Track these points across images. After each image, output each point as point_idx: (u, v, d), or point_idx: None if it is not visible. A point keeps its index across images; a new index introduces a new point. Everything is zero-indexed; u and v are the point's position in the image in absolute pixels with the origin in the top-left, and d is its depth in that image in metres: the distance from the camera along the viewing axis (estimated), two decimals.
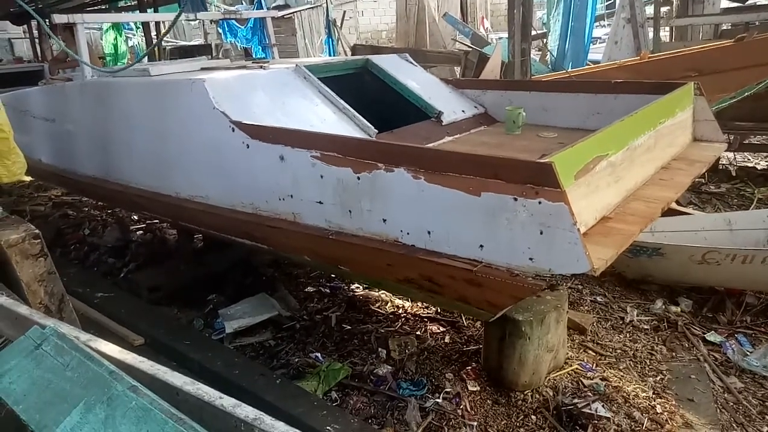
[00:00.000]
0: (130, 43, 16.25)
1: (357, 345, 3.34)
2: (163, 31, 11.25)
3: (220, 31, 13.91)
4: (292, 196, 2.62)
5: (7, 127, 2.80)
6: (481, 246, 1.98)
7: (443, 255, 2.08)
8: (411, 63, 4.19)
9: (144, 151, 3.51)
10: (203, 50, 12.64)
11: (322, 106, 3.29)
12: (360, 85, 3.94)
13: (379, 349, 3.24)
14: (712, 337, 3.35)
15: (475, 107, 3.94)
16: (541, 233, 1.81)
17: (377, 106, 3.68)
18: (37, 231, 2.39)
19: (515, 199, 1.83)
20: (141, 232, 5.35)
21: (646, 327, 3.48)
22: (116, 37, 14.07)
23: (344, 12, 11.98)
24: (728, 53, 4.48)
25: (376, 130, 3.17)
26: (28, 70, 7.54)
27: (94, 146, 3.97)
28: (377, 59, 3.98)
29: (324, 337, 3.43)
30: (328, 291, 4.00)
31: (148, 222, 5.42)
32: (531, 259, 1.86)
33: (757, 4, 7.79)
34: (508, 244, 1.90)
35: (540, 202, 1.78)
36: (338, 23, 10.43)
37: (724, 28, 7.65)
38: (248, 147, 2.76)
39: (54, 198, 6.71)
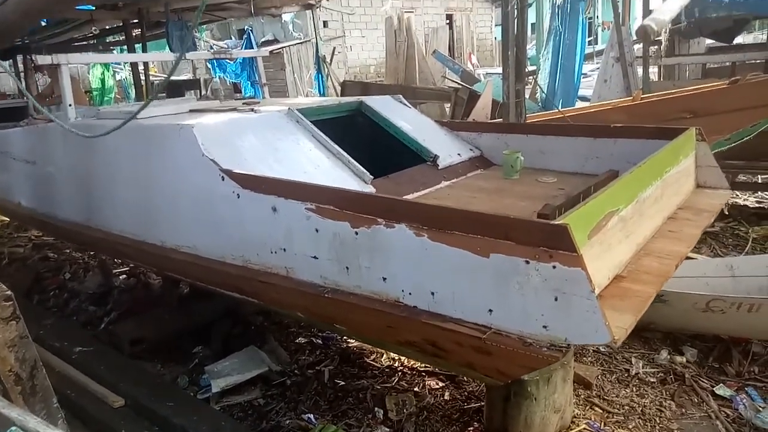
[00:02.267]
0: (118, 77, 16.22)
1: (352, 403, 3.14)
2: (151, 67, 11.22)
3: (209, 66, 13.94)
4: (285, 249, 2.48)
5: None
6: (490, 310, 1.84)
7: (449, 319, 1.94)
8: (405, 104, 4.12)
9: (128, 198, 3.37)
10: (192, 85, 12.62)
11: (315, 151, 3.18)
12: (353, 127, 3.86)
13: (376, 409, 3.05)
14: (721, 390, 3.21)
15: (471, 150, 3.86)
16: (556, 299, 1.68)
17: (371, 148, 3.59)
18: (9, 292, 2.20)
19: (527, 262, 1.71)
20: (125, 276, 5.15)
21: (652, 380, 3.33)
22: (103, 72, 14.04)
23: (334, 48, 12.05)
24: (723, 95, 4.49)
25: (372, 177, 3.07)
26: (11, 106, 7.40)
27: (77, 191, 3.82)
28: (371, 101, 3.90)
29: (317, 395, 3.23)
30: (320, 342, 3.81)
31: (131, 266, 5.21)
32: (545, 327, 1.73)
33: (743, 44, 7.95)
34: (520, 309, 1.77)
35: (554, 267, 1.66)
36: (328, 59, 10.46)
37: (710, 66, 7.78)
38: (239, 197, 2.63)
39: (34, 239, 6.48)
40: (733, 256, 4.58)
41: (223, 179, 2.69)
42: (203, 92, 10.84)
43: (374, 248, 2.12)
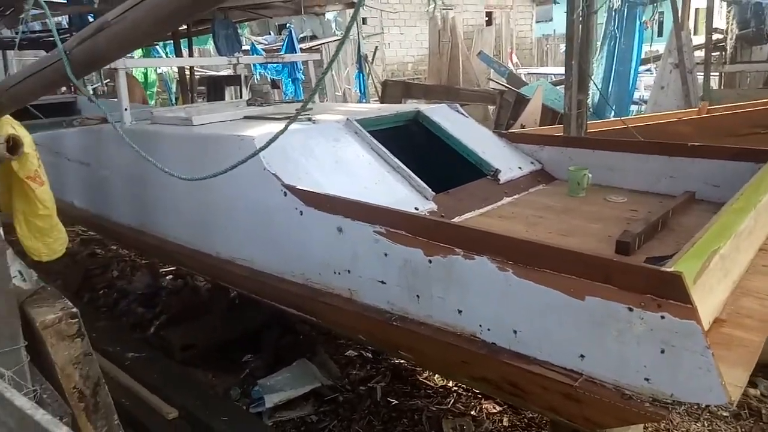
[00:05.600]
0: (159, 71, 16.45)
1: (407, 425, 3.06)
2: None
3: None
4: (349, 271, 2.39)
5: (50, 202, 2.64)
6: (582, 356, 1.71)
7: (533, 361, 1.81)
8: (462, 114, 3.99)
9: (184, 207, 3.33)
10: (232, 81, 12.66)
11: (375, 164, 3.08)
12: (409, 138, 3.74)
13: None
14: None
15: (532, 163, 3.71)
16: (663, 352, 1.54)
17: (428, 160, 3.47)
18: (74, 309, 2.18)
19: (630, 310, 1.57)
20: (171, 277, 5.16)
21: (725, 414, 3.14)
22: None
23: (376, 47, 11.92)
24: None
25: (434, 192, 2.96)
26: (60, 101, 7.52)
27: (131, 195, 3.81)
28: (428, 111, 3.78)
29: (370, 414, 3.15)
30: (370, 356, 3.73)
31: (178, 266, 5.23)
32: (647, 379, 1.59)
33: None
34: (617, 358, 1.63)
35: (663, 317, 1.52)
36: (369, 58, 10.35)
37: None
38: (302, 214, 2.55)
39: (82, 233, 6.57)
40: None
41: (285, 195, 2.62)
42: (244, 91, 10.81)
43: (450, 279, 2.01)
